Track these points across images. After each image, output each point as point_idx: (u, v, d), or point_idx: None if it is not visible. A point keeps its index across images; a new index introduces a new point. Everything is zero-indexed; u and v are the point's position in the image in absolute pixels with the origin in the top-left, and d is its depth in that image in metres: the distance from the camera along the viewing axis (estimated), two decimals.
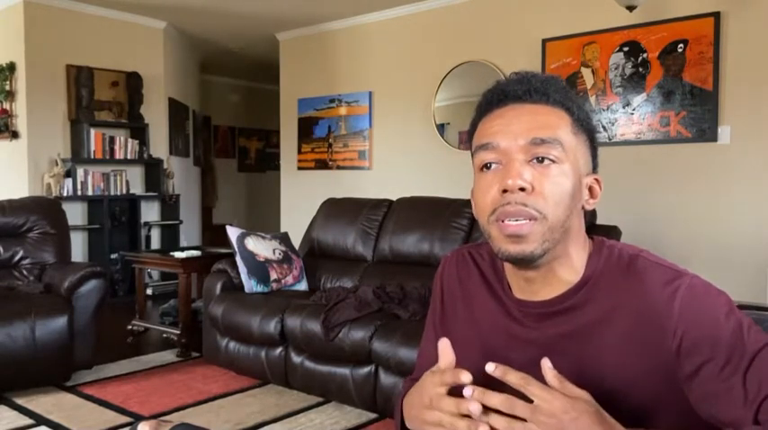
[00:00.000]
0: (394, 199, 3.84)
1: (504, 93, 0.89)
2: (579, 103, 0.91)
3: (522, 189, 0.83)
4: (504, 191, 0.84)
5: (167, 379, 3.42)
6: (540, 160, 0.84)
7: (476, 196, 0.90)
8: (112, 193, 5.59)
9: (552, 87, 0.89)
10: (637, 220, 4.00)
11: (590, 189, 0.91)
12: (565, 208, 0.85)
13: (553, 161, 0.85)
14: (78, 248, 5.33)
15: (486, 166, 0.87)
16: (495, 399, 0.75)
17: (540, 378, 0.80)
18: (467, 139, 1.02)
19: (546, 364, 0.78)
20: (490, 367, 0.78)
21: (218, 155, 8.84)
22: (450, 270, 1.06)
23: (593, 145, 0.93)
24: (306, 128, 6.13)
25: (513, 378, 0.76)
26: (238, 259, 3.53)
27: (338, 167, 5.91)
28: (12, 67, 5.23)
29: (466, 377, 0.77)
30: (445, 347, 0.84)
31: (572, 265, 0.89)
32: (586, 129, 0.91)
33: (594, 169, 0.93)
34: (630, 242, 1.00)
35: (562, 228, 0.85)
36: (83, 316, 3.30)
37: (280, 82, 6.44)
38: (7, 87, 5.24)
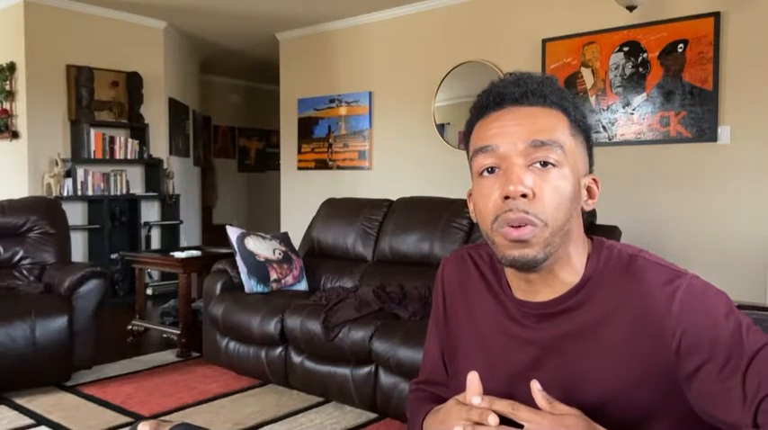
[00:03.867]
0: (394, 199, 3.84)
1: (501, 95, 0.88)
2: (575, 103, 0.90)
3: (524, 195, 0.82)
4: (506, 197, 0.83)
5: (167, 379, 3.42)
6: (543, 164, 0.84)
7: (476, 202, 0.89)
8: (112, 193, 5.60)
9: (548, 88, 0.88)
10: (637, 220, 4.00)
11: (588, 189, 0.91)
12: (565, 211, 0.84)
13: (554, 165, 0.84)
14: (78, 248, 5.33)
15: (487, 171, 0.87)
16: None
17: (542, 377, 0.81)
18: (463, 141, 1.00)
19: (535, 386, 0.79)
20: (476, 400, 0.78)
21: (218, 155, 8.84)
22: (450, 271, 1.06)
23: (589, 144, 0.92)
24: (306, 128, 6.13)
25: (500, 406, 0.77)
26: (238, 259, 3.53)
27: (338, 167, 5.91)
28: (12, 67, 5.23)
29: (492, 419, 0.76)
30: (473, 381, 0.82)
31: (572, 267, 0.89)
32: (582, 129, 0.90)
33: (591, 168, 0.92)
34: (630, 242, 1.00)
35: (563, 231, 0.85)
36: (83, 316, 3.30)
37: (280, 82, 6.44)
38: (7, 87, 5.24)
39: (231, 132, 9.07)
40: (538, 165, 0.84)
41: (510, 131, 0.85)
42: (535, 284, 0.90)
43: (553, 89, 0.89)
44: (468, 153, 0.92)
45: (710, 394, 0.79)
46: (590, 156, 0.92)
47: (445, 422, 0.84)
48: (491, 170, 0.86)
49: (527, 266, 0.86)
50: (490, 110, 0.89)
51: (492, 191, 0.85)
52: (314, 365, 3.08)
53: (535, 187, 0.83)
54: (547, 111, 0.87)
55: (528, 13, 4.66)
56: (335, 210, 3.96)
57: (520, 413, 0.76)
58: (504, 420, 0.77)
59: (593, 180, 0.91)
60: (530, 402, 0.79)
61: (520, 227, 0.83)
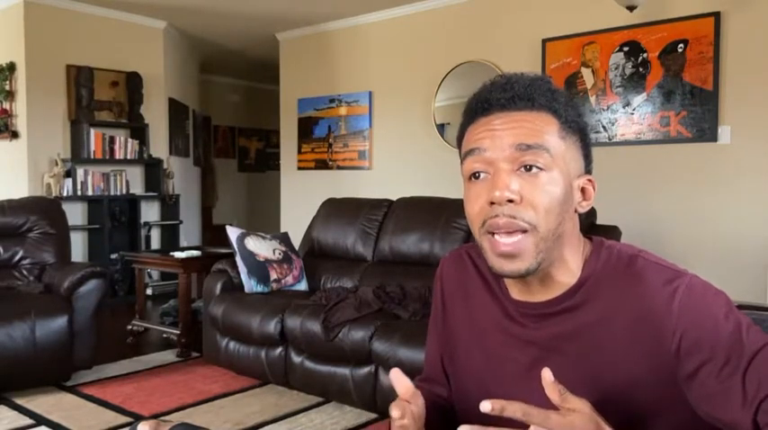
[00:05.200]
0: (394, 199, 3.84)
1: (488, 101, 0.88)
2: (568, 103, 0.89)
3: (511, 200, 0.82)
4: (492, 203, 0.83)
5: (167, 379, 3.42)
6: (528, 168, 0.83)
7: (465, 206, 0.89)
8: (112, 193, 5.60)
9: (537, 91, 0.87)
10: (637, 220, 4.00)
11: (583, 191, 0.89)
12: (556, 215, 0.84)
13: (541, 169, 0.83)
14: (78, 248, 5.33)
15: (475, 176, 0.86)
16: None
17: (540, 378, 0.80)
18: (456, 145, 1.01)
19: (546, 376, 0.76)
20: (486, 406, 0.74)
21: (218, 155, 8.84)
22: (448, 271, 1.06)
23: (585, 143, 0.91)
24: (306, 128, 6.13)
25: (512, 411, 0.74)
26: (238, 259, 3.53)
27: (338, 167, 5.91)
28: (12, 67, 5.23)
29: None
30: (396, 378, 0.87)
31: (568, 268, 0.89)
32: (576, 129, 0.89)
33: (588, 167, 0.91)
34: (630, 242, 1.00)
35: (554, 235, 0.84)
36: (83, 316, 3.30)
37: (280, 82, 6.44)
38: (7, 87, 5.24)
39: (231, 132, 9.07)
40: (525, 169, 0.83)
41: (497, 136, 0.85)
42: (532, 286, 0.90)
43: (542, 91, 0.87)
44: (460, 157, 0.92)
45: (710, 394, 0.79)
46: (587, 156, 0.91)
47: None
48: (479, 175, 0.86)
49: (520, 277, 0.86)
50: (478, 115, 0.89)
51: (479, 196, 0.85)
52: (314, 365, 3.08)
53: (522, 191, 0.82)
54: (535, 115, 0.86)
55: (528, 13, 4.66)
56: (335, 210, 3.96)
57: (532, 418, 0.74)
58: (505, 421, 0.76)
59: (589, 181, 0.90)
60: (530, 402, 0.78)
61: (510, 237, 0.82)
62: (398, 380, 0.86)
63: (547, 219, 0.83)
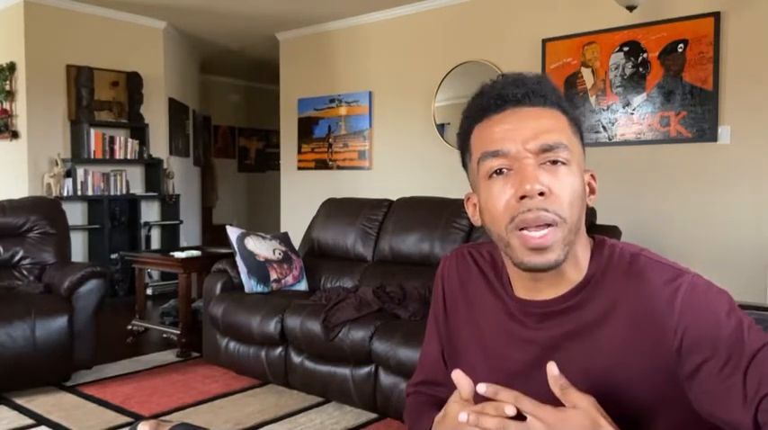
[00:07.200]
0: (394, 199, 3.84)
1: (502, 97, 0.88)
2: (569, 101, 0.92)
3: (542, 193, 0.82)
4: (522, 197, 0.82)
5: (167, 379, 3.42)
6: (554, 162, 0.84)
7: (485, 204, 0.87)
8: (112, 193, 5.60)
9: (547, 88, 0.89)
10: (637, 220, 4.00)
11: (588, 185, 0.91)
12: (578, 208, 0.85)
13: (563, 163, 0.84)
14: (78, 248, 5.33)
15: (496, 173, 0.86)
16: (490, 423, 0.75)
17: (542, 378, 0.80)
18: (458, 144, 0.98)
19: (551, 370, 0.77)
20: (482, 388, 0.77)
21: (218, 155, 8.84)
22: (450, 270, 1.06)
23: (583, 141, 0.93)
24: (306, 128, 6.13)
25: (505, 396, 0.76)
26: (238, 259, 3.53)
27: (338, 167, 5.91)
28: (12, 67, 5.23)
29: (510, 410, 0.74)
30: (461, 378, 0.82)
31: (578, 265, 0.89)
32: (579, 126, 0.91)
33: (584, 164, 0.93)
34: (631, 242, 1.00)
35: (576, 228, 0.85)
36: (83, 316, 3.30)
37: (280, 82, 6.44)
38: (7, 87, 5.24)
39: (231, 132, 9.07)
40: (548, 163, 0.84)
41: (517, 134, 0.85)
42: (541, 283, 0.90)
43: (551, 88, 0.89)
44: (463, 156, 0.92)
45: (711, 393, 0.79)
46: (583, 152, 0.92)
47: (447, 422, 0.83)
48: (500, 171, 0.85)
49: (547, 270, 0.86)
50: (491, 112, 0.88)
51: (503, 192, 0.84)
52: (314, 365, 3.08)
53: (550, 185, 0.83)
54: (548, 112, 0.87)
55: (528, 13, 4.66)
56: (335, 210, 3.96)
57: (523, 405, 0.75)
58: None
59: (591, 176, 0.92)
60: None
61: (539, 230, 0.82)
62: (462, 381, 0.82)
63: (572, 211, 0.84)
